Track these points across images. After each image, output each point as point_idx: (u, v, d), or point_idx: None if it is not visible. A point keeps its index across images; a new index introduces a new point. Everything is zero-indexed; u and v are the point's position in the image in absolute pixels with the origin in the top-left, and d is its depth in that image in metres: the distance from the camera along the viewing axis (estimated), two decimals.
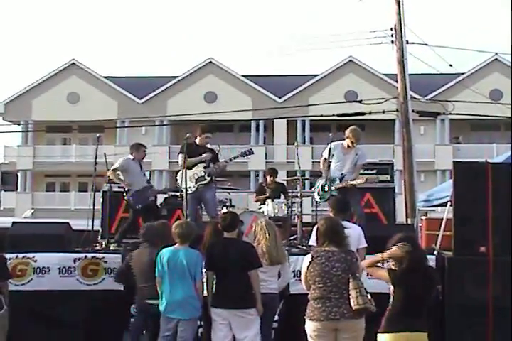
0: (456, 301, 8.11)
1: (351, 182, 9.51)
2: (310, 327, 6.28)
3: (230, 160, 10.29)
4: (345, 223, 7.26)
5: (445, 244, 9.17)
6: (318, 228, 6.60)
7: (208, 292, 7.09)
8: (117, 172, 10.32)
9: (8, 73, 73.98)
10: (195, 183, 10.00)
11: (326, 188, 9.76)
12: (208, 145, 10.43)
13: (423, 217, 15.11)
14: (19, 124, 41.25)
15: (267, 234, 7.26)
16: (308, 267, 6.35)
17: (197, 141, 10.26)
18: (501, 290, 7.99)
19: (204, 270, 7.15)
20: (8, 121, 40.61)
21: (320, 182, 9.96)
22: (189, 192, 9.80)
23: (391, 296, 5.97)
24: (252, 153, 10.36)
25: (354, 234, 7.18)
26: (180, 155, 10.08)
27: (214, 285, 7.05)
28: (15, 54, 76.08)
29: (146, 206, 10.30)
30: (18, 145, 41.91)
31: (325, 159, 9.91)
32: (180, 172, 10.07)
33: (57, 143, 42.23)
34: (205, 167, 10.08)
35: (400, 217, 18.02)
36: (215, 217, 9.73)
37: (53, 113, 39.34)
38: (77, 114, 38.43)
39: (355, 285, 6.12)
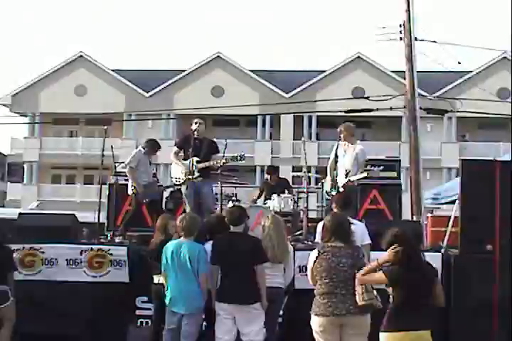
0: (462, 299, 8.09)
1: (353, 178, 9.54)
2: (315, 322, 6.29)
3: (220, 165, 9.87)
4: (349, 219, 7.27)
5: (451, 242, 9.17)
6: (324, 224, 6.60)
7: (213, 286, 7.08)
8: (135, 170, 10.18)
9: (16, 65, 74.09)
10: (185, 176, 9.78)
11: (329, 190, 9.82)
12: (206, 136, 10.08)
13: (429, 215, 15.13)
14: (26, 116, 41.30)
15: (275, 230, 7.24)
16: (314, 262, 6.36)
17: (192, 132, 9.92)
18: (507, 289, 7.97)
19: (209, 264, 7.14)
20: (16, 113, 40.63)
21: (325, 185, 10.05)
22: (180, 183, 9.71)
23: (390, 296, 5.92)
24: (242, 159, 10.09)
25: (358, 230, 7.18)
26: (175, 148, 10.01)
27: (219, 280, 7.05)
28: (23, 46, 76.17)
29: (151, 200, 10.31)
30: (25, 137, 41.95)
31: (332, 161, 9.94)
32: (173, 165, 9.99)
33: (63, 136, 42.25)
34: (198, 161, 9.79)
35: (406, 214, 18.03)
36: (212, 212, 9.67)
37: (60, 105, 39.35)
38: (84, 106, 38.43)
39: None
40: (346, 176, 9.56)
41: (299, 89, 39.25)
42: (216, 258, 7.06)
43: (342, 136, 9.82)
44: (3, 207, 35.79)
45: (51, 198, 38.39)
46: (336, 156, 9.83)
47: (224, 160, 9.83)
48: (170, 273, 7.20)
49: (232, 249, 6.97)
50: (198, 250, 7.14)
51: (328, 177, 9.88)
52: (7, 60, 74.40)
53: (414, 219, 15.48)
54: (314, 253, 6.42)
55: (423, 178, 18.13)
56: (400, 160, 12.12)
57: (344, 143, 9.84)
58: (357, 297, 6.10)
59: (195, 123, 9.92)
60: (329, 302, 6.16)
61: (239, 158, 10.02)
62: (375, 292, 6.14)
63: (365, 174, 9.57)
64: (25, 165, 41.64)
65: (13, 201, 39.52)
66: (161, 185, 11.51)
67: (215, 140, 10.34)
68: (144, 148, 10.47)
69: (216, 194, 10.76)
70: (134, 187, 10.19)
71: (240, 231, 7.16)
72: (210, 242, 7.24)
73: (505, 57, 38.15)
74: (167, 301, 7.23)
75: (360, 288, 6.09)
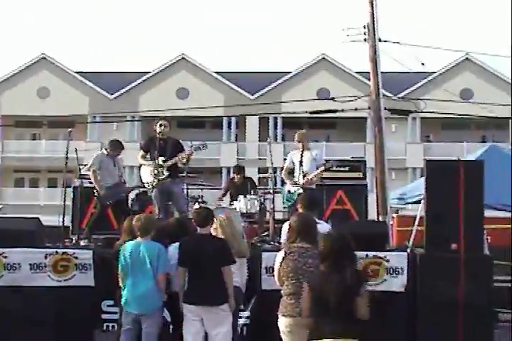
0: (428, 298, 8.14)
1: (311, 176, 9.69)
2: (283, 323, 6.27)
3: (187, 159, 9.87)
4: (315, 219, 7.29)
5: (416, 242, 9.22)
6: (290, 224, 6.58)
7: (181, 288, 7.05)
8: (97, 172, 10.13)
9: None
10: (155, 178, 9.80)
11: (292, 190, 10.01)
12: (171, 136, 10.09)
13: (394, 215, 15.23)
14: None
15: (227, 229, 7.24)
16: (281, 263, 6.33)
17: (156, 133, 9.97)
18: (472, 286, 8.04)
19: (176, 266, 7.11)
20: None
21: (285, 188, 10.28)
22: (151, 186, 9.71)
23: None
24: (205, 147, 10.11)
25: (323, 230, 7.19)
26: (141, 151, 10.02)
27: (186, 281, 7.01)
28: None
29: (116, 201, 10.23)
30: None
31: (286, 169, 10.31)
32: (142, 167, 9.99)
33: (26, 138, 41.80)
34: (164, 161, 9.82)
35: (372, 214, 18.14)
36: (184, 212, 9.67)
37: (23, 108, 38.96)
38: (47, 109, 38.07)
39: None
40: (304, 177, 9.84)
41: (264, 91, 39.34)
42: (183, 259, 7.02)
43: (301, 144, 10.15)
44: None
45: (14, 202, 37.90)
46: (293, 164, 10.15)
47: (188, 152, 9.84)
48: (128, 274, 7.16)
49: (200, 250, 6.93)
50: (157, 249, 7.14)
51: (288, 183, 10.17)
52: None
53: (380, 219, 15.59)
54: (281, 254, 6.40)
55: (388, 178, 18.28)
56: (365, 161, 12.19)
57: (299, 151, 10.14)
58: None
59: (160, 125, 9.94)
60: (296, 302, 6.12)
61: (201, 146, 10.03)
62: None
63: (322, 168, 9.86)
64: None
65: None
66: (126, 186, 11.40)
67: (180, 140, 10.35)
68: (106, 150, 10.42)
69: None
70: (97, 190, 10.15)
71: (207, 233, 7.13)
72: (175, 244, 7.21)
73: (467, 58, 38.64)
74: (123, 302, 7.20)
75: None
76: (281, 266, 6.34)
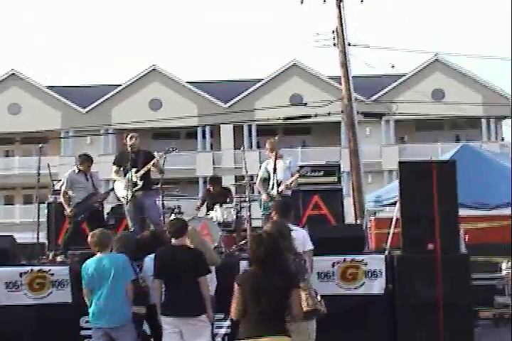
0: (407, 299, 8.16)
1: (286, 183, 9.74)
2: None
3: (157, 162, 9.86)
4: (289, 226, 7.26)
5: (395, 243, 9.25)
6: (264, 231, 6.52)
7: (158, 300, 6.99)
8: (68, 196, 10.01)
9: None
10: (131, 191, 9.77)
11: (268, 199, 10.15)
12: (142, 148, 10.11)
13: (372, 217, 15.28)
14: None
15: (195, 238, 7.23)
16: None
17: (127, 147, 10.00)
18: (450, 286, 8.07)
19: (152, 278, 7.06)
20: None
21: (261, 197, 10.42)
22: (126, 200, 9.69)
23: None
24: (175, 150, 10.14)
25: (299, 236, 7.18)
26: (113, 167, 10.02)
27: (163, 293, 6.95)
28: None
29: (89, 214, 10.13)
30: None
31: (261, 178, 10.43)
32: (116, 182, 9.99)
33: None
34: (137, 172, 9.81)
35: (350, 218, 18.17)
36: (158, 224, 9.61)
37: None
38: (19, 125, 37.76)
39: (304, 286, 6.05)
40: (278, 186, 9.89)
41: (237, 99, 39.35)
42: (159, 271, 6.97)
43: (272, 152, 10.27)
44: None
45: None
46: (268, 173, 10.22)
47: (158, 158, 9.83)
48: (94, 289, 7.11)
49: (175, 261, 6.88)
50: (120, 260, 7.13)
51: (263, 193, 10.27)
52: None
53: (358, 222, 15.63)
54: None
55: (365, 182, 18.38)
56: (339, 165, 12.17)
57: (273, 159, 10.22)
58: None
59: (130, 137, 9.97)
60: None
61: (170, 149, 10.05)
62: (318, 297, 6.12)
63: (297, 175, 9.95)
64: None
65: None
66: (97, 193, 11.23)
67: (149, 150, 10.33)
68: (76, 166, 10.29)
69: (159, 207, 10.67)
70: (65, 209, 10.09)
71: (182, 244, 7.08)
72: (151, 256, 7.16)
73: (437, 60, 38.98)
74: (90, 317, 7.14)
75: (304, 294, 6.03)
76: None
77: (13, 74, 40.05)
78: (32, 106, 39.29)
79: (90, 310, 7.13)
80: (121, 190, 9.95)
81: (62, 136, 38.13)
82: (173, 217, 10.30)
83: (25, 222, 34.68)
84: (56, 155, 36.06)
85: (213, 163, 39.50)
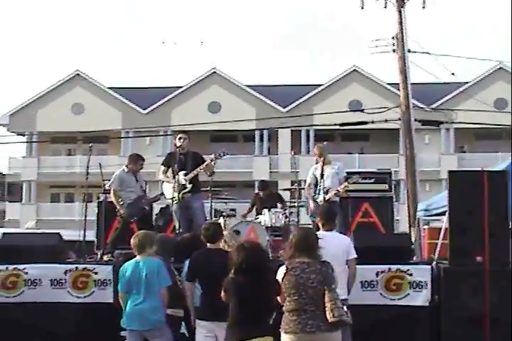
0: (452, 312, 7.96)
1: (335, 192, 9.67)
2: (285, 340, 6.08)
3: (212, 172, 9.93)
4: (333, 233, 7.14)
5: (444, 254, 9.05)
6: (290, 238, 6.37)
7: (191, 304, 6.96)
8: (118, 191, 10.06)
9: (12, 85, 74.28)
10: (179, 193, 9.80)
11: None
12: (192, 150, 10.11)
13: (425, 227, 15.00)
14: (24, 135, 41.35)
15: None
16: (283, 279, 6.14)
17: (176, 148, 10.00)
18: (498, 300, 7.84)
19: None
20: (13, 132, 40.70)
21: (308, 203, 10.37)
22: (175, 202, 9.69)
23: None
24: (226, 154, 10.07)
25: (343, 244, 7.05)
26: (161, 167, 10.01)
27: (199, 296, 6.91)
28: (19, 65, 76.44)
29: (140, 217, 10.18)
30: (23, 157, 41.93)
31: (309, 184, 10.35)
32: (164, 183, 10.00)
33: (61, 154, 42.26)
34: (185, 174, 9.83)
35: (404, 226, 17.87)
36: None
37: (58, 124, 39.33)
38: (81, 124, 38.41)
39: (331, 297, 5.92)
40: (327, 194, 9.77)
41: (295, 104, 39.25)
42: (191, 274, 6.95)
43: (321, 158, 10.24)
44: (2, 227, 35.67)
45: (50, 217, 38.27)
46: (316, 179, 10.14)
47: (208, 162, 9.82)
48: (130, 292, 7.10)
49: (210, 264, 6.83)
50: (156, 265, 7.08)
51: (310, 200, 10.20)
52: (6, 80, 74.65)
53: (412, 231, 15.39)
54: (282, 270, 6.20)
55: (423, 190, 18.08)
56: (391, 173, 12.02)
57: (320, 165, 10.16)
58: (327, 313, 5.89)
59: (179, 138, 9.97)
60: (299, 319, 5.96)
61: (221, 154, 9.99)
62: (345, 308, 5.98)
63: (345, 184, 9.85)
64: (23, 185, 41.58)
65: (12, 221, 39.39)
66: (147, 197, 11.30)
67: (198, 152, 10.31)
68: (126, 166, 10.31)
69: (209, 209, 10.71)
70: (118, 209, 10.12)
71: (217, 248, 7.04)
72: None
73: (501, 68, 38.16)
74: (124, 320, 7.14)
75: (330, 304, 5.89)
76: (283, 281, 6.13)
77: (77, 74, 40.82)
78: (94, 107, 39.96)
79: (124, 313, 7.13)
80: (169, 191, 9.96)
81: (122, 136, 38.64)
82: (222, 220, 10.26)
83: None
84: (116, 155, 36.58)
85: (270, 168, 39.48)
